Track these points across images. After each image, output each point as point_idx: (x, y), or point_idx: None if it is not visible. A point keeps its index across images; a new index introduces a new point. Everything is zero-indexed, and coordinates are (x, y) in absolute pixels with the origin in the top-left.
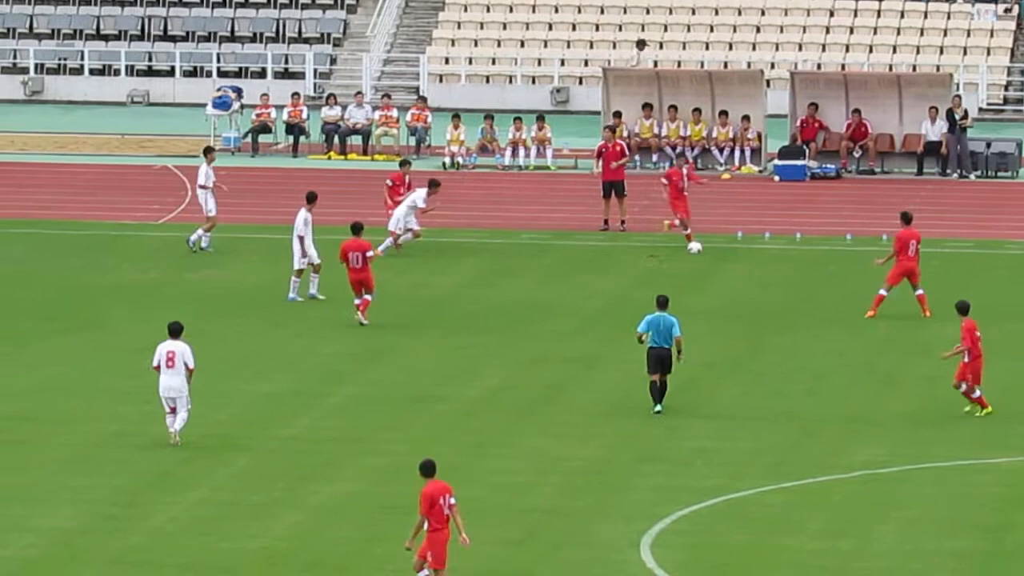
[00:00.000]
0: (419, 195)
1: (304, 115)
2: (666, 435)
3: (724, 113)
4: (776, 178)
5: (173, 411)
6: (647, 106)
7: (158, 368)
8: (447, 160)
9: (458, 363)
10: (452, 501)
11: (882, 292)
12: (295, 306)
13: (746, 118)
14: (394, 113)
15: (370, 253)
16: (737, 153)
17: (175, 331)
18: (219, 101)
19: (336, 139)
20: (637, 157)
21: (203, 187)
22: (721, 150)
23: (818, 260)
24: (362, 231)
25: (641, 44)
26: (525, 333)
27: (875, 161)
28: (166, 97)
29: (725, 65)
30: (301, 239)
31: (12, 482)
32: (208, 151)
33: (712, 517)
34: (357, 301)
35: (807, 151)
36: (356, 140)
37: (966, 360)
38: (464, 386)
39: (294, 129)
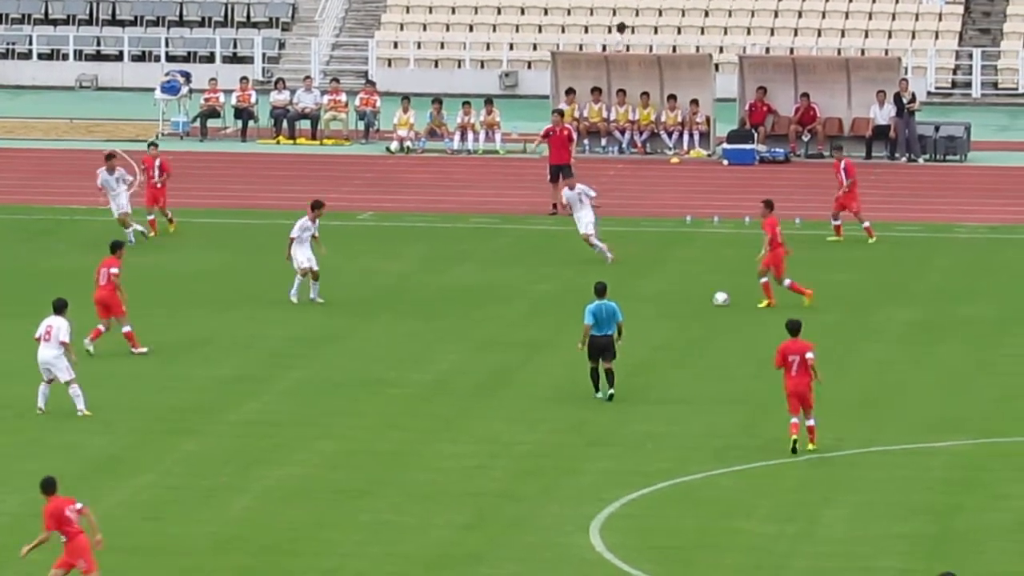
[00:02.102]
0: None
1: (253, 99)
2: (616, 419)
3: (673, 97)
4: (725, 162)
5: (50, 382)
6: (596, 90)
7: (39, 340)
8: (395, 144)
9: (409, 348)
10: (79, 507)
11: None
12: (242, 290)
13: (695, 102)
14: (343, 97)
15: None
16: (686, 137)
17: (58, 307)
18: (167, 86)
19: (285, 123)
20: (586, 141)
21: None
22: (670, 134)
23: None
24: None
25: (621, 27)
26: (475, 318)
27: (824, 145)
28: (114, 81)
29: (674, 49)
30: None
31: None
32: (111, 156)
33: (662, 501)
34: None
35: (756, 135)
36: (305, 124)
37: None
38: (415, 370)
39: (243, 113)
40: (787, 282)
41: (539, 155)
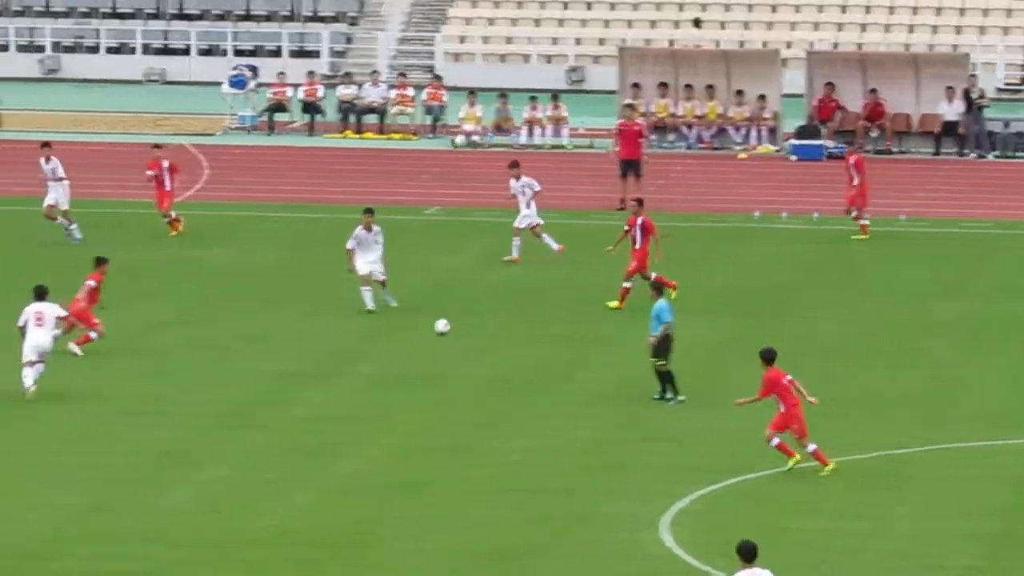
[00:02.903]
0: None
1: (320, 94)
2: (680, 415)
3: (740, 92)
4: (793, 158)
5: (32, 364)
6: (663, 85)
7: (22, 329)
8: (461, 138)
9: (470, 342)
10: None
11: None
12: (303, 285)
13: (762, 98)
14: (410, 92)
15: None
16: (754, 133)
17: (41, 293)
18: (235, 80)
19: (352, 118)
20: (653, 136)
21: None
22: (737, 130)
23: (835, 240)
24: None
25: (698, 23)
26: (538, 312)
27: (892, 141)
28: (182, 75)
29: (741, 44)
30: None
31: (26, 459)
32: (45, 145)
33: (729, 497)
34: None
35: (824, 131)
36: (372, 119)
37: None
38: (476, 365)
39: (310, 108)
40: (652, 275)
41: (611, 151)
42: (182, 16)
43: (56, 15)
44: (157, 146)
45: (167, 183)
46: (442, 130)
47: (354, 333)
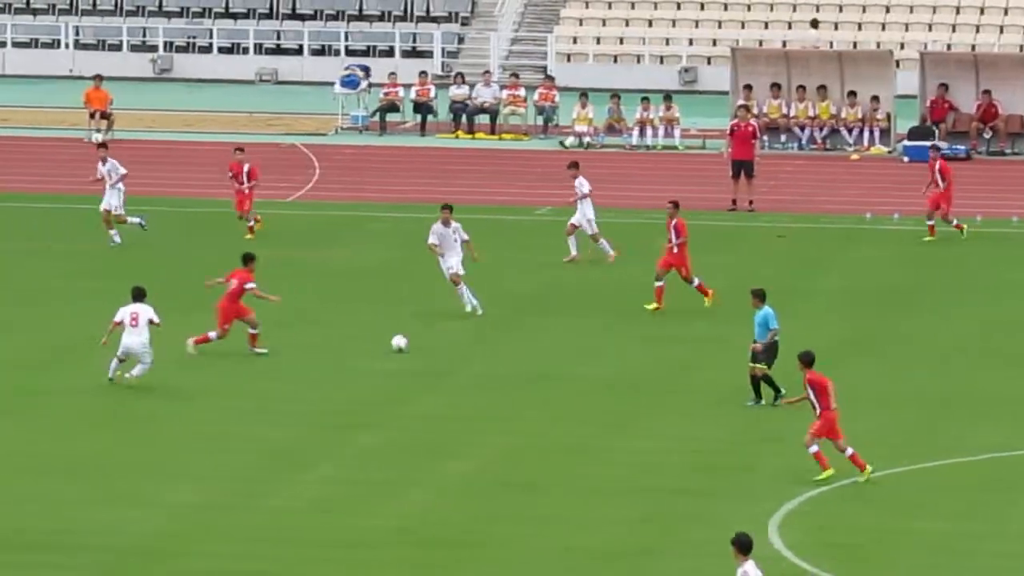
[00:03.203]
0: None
1: (432, 94)
2: (792, 416)
3: (853, 94)
4: (905, 159)
5: (122, 361)
6: (775, 86)
7: (118, 325)
8: (571, 139)
9: (584, 343)
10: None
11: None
12: (414, 285)
13: (875, 98)
14: (522, 92)
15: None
16: (866, 134)
17: (139, 295)
18: (347, 80)
19: (464, 118)
20: (765, 137)
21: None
22: (850, 130)
23: (947, 241)
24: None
25: (815, 23)
26: (650, 313)
27: (1006, 142)
28: (294, 75)
29: (854, 45)
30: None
31: (142, 457)
32: (102, 146)
33: (840, 499)
34: None
35: (937, 132)
36: (484, 119)
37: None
38: (589, 366)
39: (422, 108)
40: (696, 281)
41: (723, 152)
42: (295, 16)
43: (169, 15)
44: (239, 149)
45: (247, 186)
46: (554, 131)
47: (467, 333)
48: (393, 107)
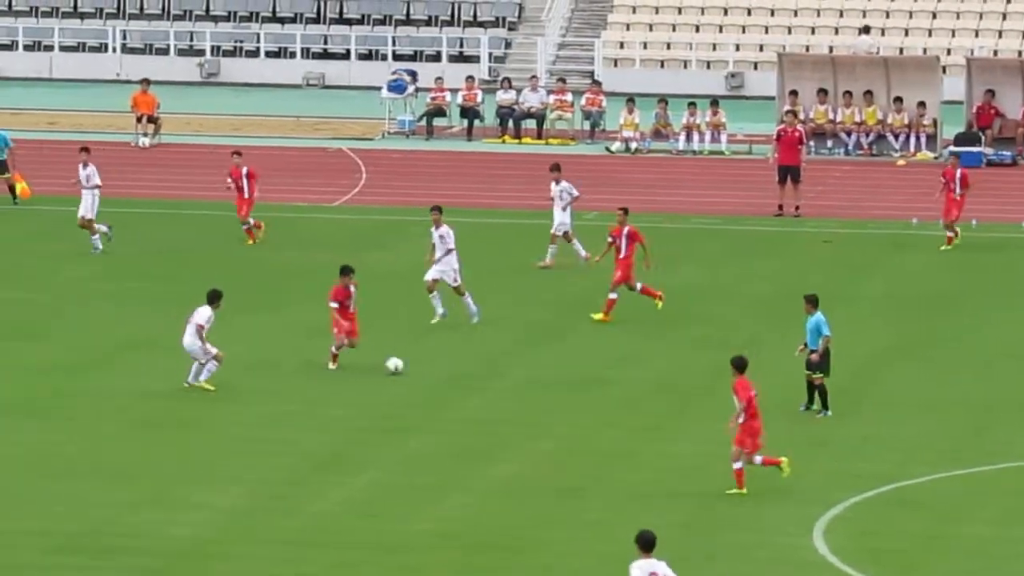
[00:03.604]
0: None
1: (479, 99)
2: (837, 422)
3: (899, 99)
4: None
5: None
6: (822, 91)
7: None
8: (617, 144)
9: (627, 347)
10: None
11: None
12: (467, 287)
13: (922, 104)
14: (568, 97)
15: None
16: (912, 139)
17: (208, 297)
18: (394, 84)
19: (510, 123)
20: (811, 143)
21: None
22: (896, 136)
23: (994, 247)
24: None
25: (868, 29)
26: (695, 317)
27: None
28: (341, 80)
29: (901, 51)
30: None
31: (184, 460)
32: (84, 150)
33: (885, 504)
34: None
35: (983, 138)
36: (530, 124)
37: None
38: (634, 369)
39: (468, 113)
40: (639, 286)
41: (769, 157)
42: (342, 20)
43: (216, 19)
44: (237, 153)
45: (247, 190)
46: (601, 136)
47: (511, 336)
48: (440, 112)
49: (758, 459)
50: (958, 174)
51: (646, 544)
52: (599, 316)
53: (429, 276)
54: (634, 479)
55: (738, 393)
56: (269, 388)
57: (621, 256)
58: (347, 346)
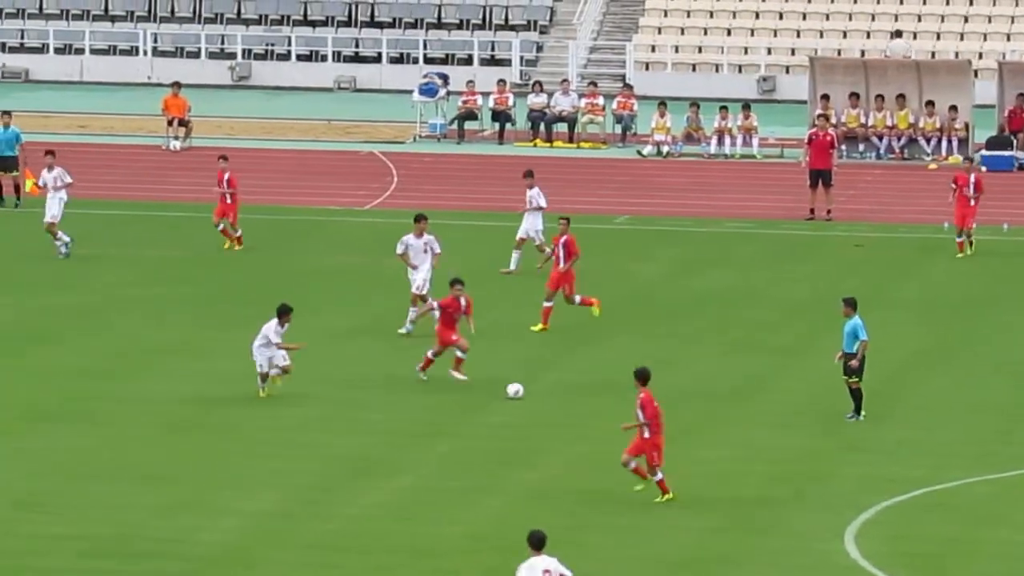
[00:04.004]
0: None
1: (510, 102)
2: (871, 426)
3: (931, 103)
4: (983, 168)
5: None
6: (854, 95)
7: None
8: (649, 148)
9: (662, 351)
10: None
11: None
12: (496, 292)
13: (953, 108)
14: (600, 101)
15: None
16: (944, 143)
17: (278, 311)
18: (425, 87)
19: (542, 126)
20: (843, 147)
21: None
22: (928, 140)
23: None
24: None
25: (899, 33)
26: (729, 321)
27: None
28: (372, 83)
29: (933, 55)
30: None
31: (215, 465)
32: (49, 153)
33: (917, 508)
34: None
35: (1015, 141)
36: (562, 127)
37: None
38: (668, 374)
39: (500, 116)
40: (577, 299)
41: (801, 161)
42: (373, 24)
43: (247, 22)
44: (223, 157)
45: (227, 194)
46: (632, 139)
47: (545, 340)
48: (471, 115)
49: (659, 475)
50: (972, 179)
51: (537, 543)
52: (539, 327)
53: (422, 289)
54: (669, 483)
55: (644, 408)
56: (301, 392)
57: (560, 267)
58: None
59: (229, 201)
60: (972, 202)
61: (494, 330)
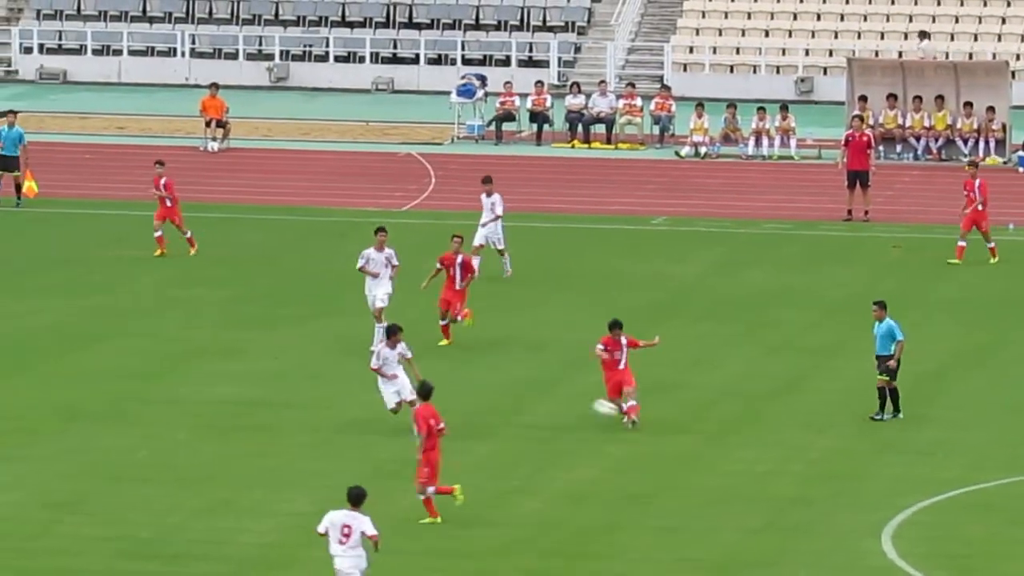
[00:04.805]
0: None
1: (548, 103)
2: (907, 426)
3: (969, 104)
4: (1020, 169)
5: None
6: (891, 96)
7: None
8: (687, 149)
9: (699, 351)
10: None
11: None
12: (528, 293)
13: (991, 109)
14: (638, 102)
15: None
16: (981, 144)
17: (389, 331)
18: (463, 89)
19: (580, 127)
20: (880, 148)
21: None
22: (965, 141)
23: None
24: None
25: (925, 34)
26: (767, 322)
27: None
28: (410, 84)
29: (970, 56)
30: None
31: (253, 467)
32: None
33: (954, 508)
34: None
35: None
36: (600, 129)
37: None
38: (705, 374)
39: (538, 117)
40: (459, 318)
41: (838, 162)
42: (411, 25)
43: (285, 24)
44: (159, 163)
45: (165, 197)
46: (670, 140)
47: (583, 342)
48: (509, 116)
49: (431, 490)
50: (977, 184)
51: (355, 499)
52: (445, 342)
53: (380, 304)
54: (706, 484)
55: (417, 422)
56: (336, 395)
57: (457, 287)
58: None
59: (169, 204)
60: (980, 207)
61: (534, 328)
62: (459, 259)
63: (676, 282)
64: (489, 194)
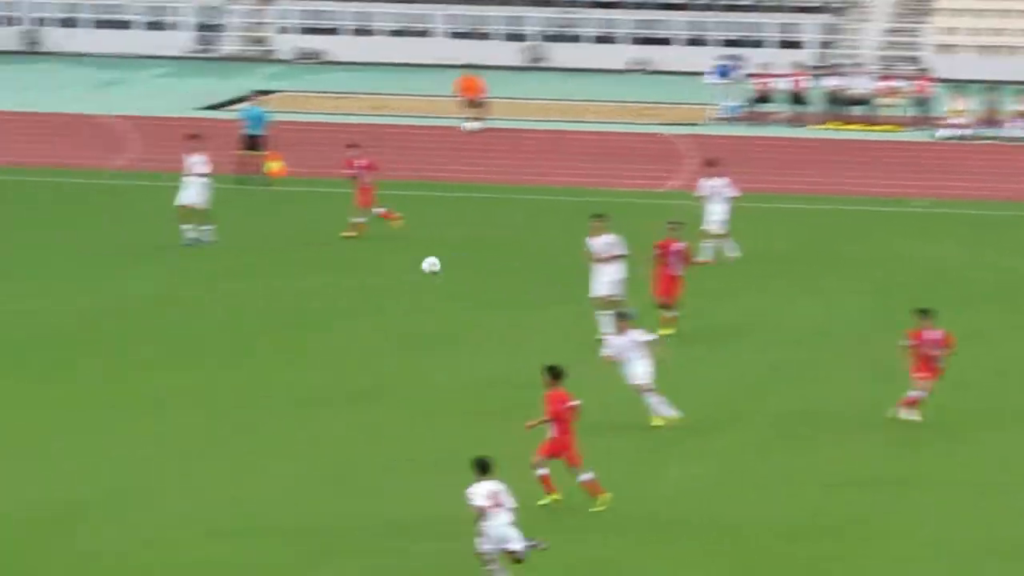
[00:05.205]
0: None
1: (805, 84)
2: None
3: None
4: None
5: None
6: None
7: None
8: (945, 131)
9: (967, 334)
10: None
11: None
12: (817, 271)
13: None
14: (897, 83)
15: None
16: None
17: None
18: (719, 70)
19: (838, 108)
20: None
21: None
22: None
23: None
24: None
25: None
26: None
27: None
28: (666, 65)
29: None
30: None
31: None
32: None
33: None
34: None
35: None
36: (857, 110)
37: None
38: (980, 350)
39: (795, 98)
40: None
41: None
42: (667, 6)
43: (541, 4)
44: (353, 146)
45: (365, 181)
46: (929, 122)
47: (865, 315)
48: (766, 97)
49: (542, 471)
50: None
51: (483, 468)
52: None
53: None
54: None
55: (548, 406)
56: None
57: (674, 273)
58: None
59: (366, 185)
60: None
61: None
62: (675, 246)
63: (934, 263)
64: (709, 177)
